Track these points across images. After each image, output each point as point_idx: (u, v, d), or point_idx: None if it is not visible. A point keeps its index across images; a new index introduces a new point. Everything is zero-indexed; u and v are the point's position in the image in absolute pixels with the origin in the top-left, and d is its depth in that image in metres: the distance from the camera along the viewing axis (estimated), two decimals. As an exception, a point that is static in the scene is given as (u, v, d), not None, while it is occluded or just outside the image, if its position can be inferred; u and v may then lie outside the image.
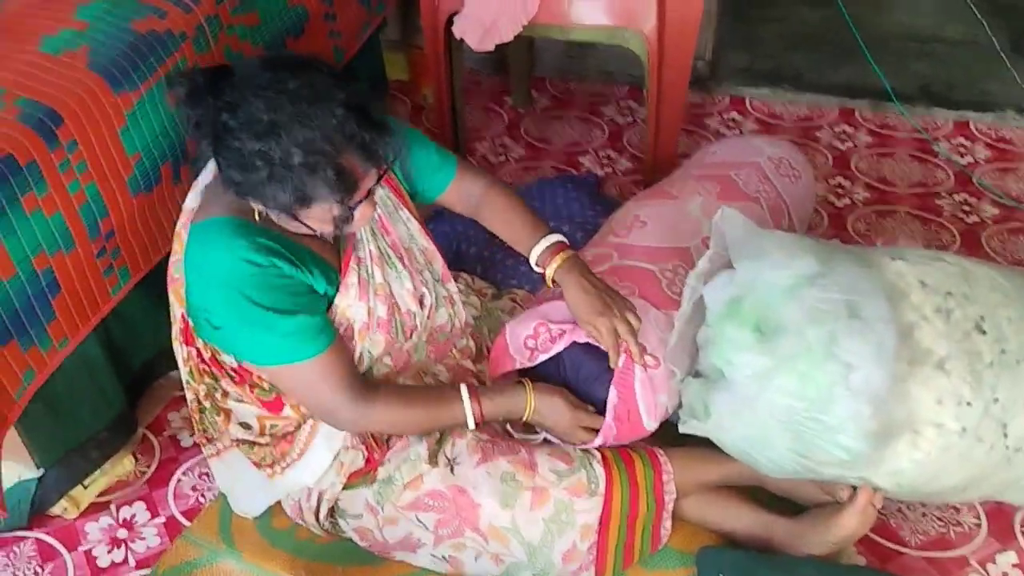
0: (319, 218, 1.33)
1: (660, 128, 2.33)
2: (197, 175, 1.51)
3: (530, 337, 1.62)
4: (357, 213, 1.34)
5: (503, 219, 1.65)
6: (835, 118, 2.71)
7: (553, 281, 1.57)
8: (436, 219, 2.18)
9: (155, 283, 1.72)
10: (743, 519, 1.59)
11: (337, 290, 1.46)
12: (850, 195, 2.43)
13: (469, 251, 2.10)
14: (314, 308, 1.42)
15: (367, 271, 1.50)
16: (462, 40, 2.20)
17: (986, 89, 2.69)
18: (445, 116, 2.50)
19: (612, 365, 1.54)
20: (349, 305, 1.47)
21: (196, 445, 1.81)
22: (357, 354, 1.50)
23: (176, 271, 1.50)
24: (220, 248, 1.36)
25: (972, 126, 2.65)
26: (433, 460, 1.52)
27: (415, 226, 1.61)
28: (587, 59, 2.90)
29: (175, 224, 1.53)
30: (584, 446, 1.57)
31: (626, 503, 1.51)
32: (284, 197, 1.27)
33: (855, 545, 1.60)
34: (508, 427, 1.68)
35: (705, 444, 1.56)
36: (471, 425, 1.51)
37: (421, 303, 1.58)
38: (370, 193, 1.35)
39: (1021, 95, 2.63)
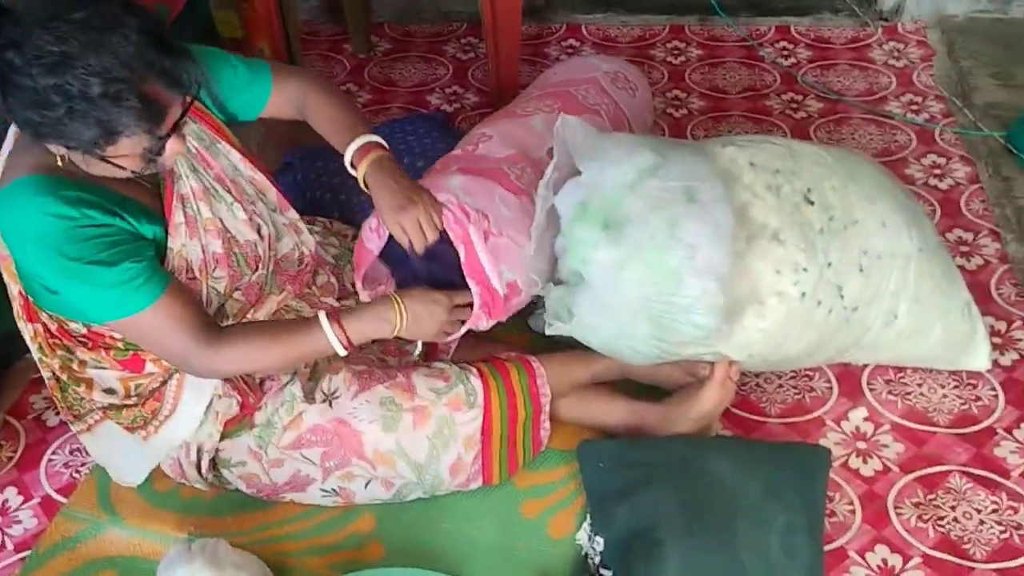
0: (127, 154, 1.27)
1: (500, 59, 2.37)
2: None
3: (372, 224, 1.63)
4: (167, 147, 1.30)
5: (323, 117, 1.60)
6: (667, 35, 2.80)
7: (365, 184, 1.54)
8: (284, 170, 2.16)
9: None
10: (615, 411, 1.66)
11: (166, 233, 1.42)
12: (687, 105, 2.53)
13: (324, 197, 2.08)
14: (138, 255, 1.35)
15: (193, 208, 1.45)
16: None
17: (802, -6, 2.84)
18: (284, 69, 2.46)
19: (419, 252, 1.54)
20: (183, 245, 1.43)
21: (63, 423, 1.76)
22: (204, 294, 1.47)
23: (3, 248, 1.41)
24: (27, 208, 1.29)
25: (792, 30, 2.79)
26: (310, 397, 1.52)
27: (236, 157, 1.55)
28: (424, 0, 2.91)
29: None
30: (454, 336, 1.59)
31: (505, 409, 1.55)
32: (88, 132, 1.21)
33: (720, 421, 1.70)
34: (382, 355, 1.69)
35: (573, 347, 1.63)
36: (340, 352, 1.46)
37: (259, 233, 1.54)
38: (177, 126, 1.30)
39: (834, -4, 2.80)
